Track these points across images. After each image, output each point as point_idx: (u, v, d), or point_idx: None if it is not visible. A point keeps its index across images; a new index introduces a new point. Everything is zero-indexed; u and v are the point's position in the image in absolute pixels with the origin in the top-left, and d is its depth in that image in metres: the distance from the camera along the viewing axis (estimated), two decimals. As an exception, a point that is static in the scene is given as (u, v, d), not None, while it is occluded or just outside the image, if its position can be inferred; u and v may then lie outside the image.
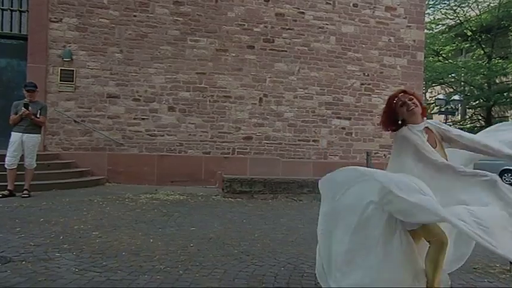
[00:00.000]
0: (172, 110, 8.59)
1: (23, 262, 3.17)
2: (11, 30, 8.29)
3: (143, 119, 8.51)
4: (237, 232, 4.46)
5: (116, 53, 8.44)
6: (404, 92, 2.61)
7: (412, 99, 2.52)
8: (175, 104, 8.60)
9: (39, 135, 6.37)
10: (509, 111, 20.07)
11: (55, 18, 8.22)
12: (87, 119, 8.32)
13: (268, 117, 8.94)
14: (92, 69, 8.36)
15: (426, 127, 2.53)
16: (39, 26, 8.13)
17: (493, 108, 20.36)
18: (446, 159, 2.46)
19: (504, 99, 19.32)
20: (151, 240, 3.94)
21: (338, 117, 9.15)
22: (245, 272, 3.19)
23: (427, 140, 2.46)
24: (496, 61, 19.46)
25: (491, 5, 19.27)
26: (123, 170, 8.17)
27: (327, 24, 9.08)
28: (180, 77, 8.63)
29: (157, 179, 8.25)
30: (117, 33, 8.44)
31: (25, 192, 6.05)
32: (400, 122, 2.55)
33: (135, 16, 8.48)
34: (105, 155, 8.25)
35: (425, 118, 2.59)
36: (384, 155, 9.22)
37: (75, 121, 8.26)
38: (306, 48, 9.02)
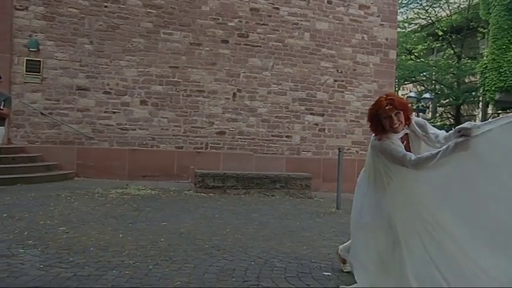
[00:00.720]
0: (145, 104, 8.55)
1: (-16, 258, 3.09)
2: (-28, 18, 8.03)
3: (114, 112, 8.44)
4: (209, 227, 4.52)
5: (85, 44, 8.32)
6: (391, 100, 2.51)
7: (399, 113, 2.50)
8: (147, 97, 8.58)
9: (3, 127, 6.24)
10: (476, 110, 21.03)
11: (20, 6, 8.01)
12: (55, 111, 8.18)
13: (241, 112, 9.05)
14: (60, 60, 8.21)
15: (406, 133, 2.63)
16: (2, 14, 7.91)
17: (461, 107, 21.27)
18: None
19: (472, 98, 20.26)
20: (120, 236, 3.94)
21: (311, 113, 9.36)
22: (215, 266, 3.23)
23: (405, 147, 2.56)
24: (465, 61, 20.37)
25: (461, 6, 20.08)
26: (93, 164, 8.09)
27: (301, 20, 9.25)
28: (152, 71, 8.60)
29: (129, 174, 8.23)
30: (87, 23, 8.32)
31: (-13, 186, 5.92)
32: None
33: (106, 7, 8.38)
34: (74, 149, 8.14)
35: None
36: (356, 151, 9.52)
37: (42, 113, 8.10)
38: (280, 44, 9.16)
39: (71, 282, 2.73)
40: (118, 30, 8.44)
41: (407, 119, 2.60)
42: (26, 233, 3.84)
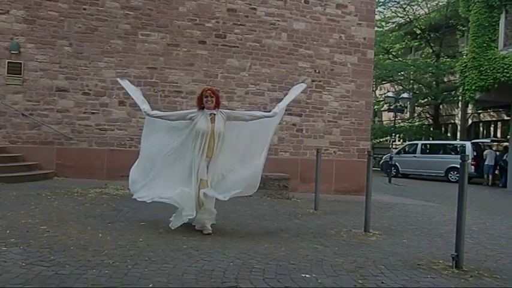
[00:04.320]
0: (123, 105, 9.51)
1: (-34, 256, 3.37)
2: (-45, 22, 9.01)
3: (93, 113, 9.42)
4: (186, 227, 4.83)
5: (65, 46, 9.28)
6: (211, 90, 4.92)
7: (213, 97, 4.81)
8: (125, 98, 9.48)
9: None
10: (456, 110, 21.83)
11: (1, 9, 8.99)
12: (36, 112, 9.18)
13: (219, 112, 9.96)
14: (40, 62, 9.19)
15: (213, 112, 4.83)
16: (-16, 18, 8.89)
17: (440, 106, 22.12)
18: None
19: (451, 98, 21.09)
20: (100, 235, 4.28)
21: (289, 114, 10.20)
22: (194, 267, 3.44)
23: (210, 120, 4.77)
24: (444, 60, 21.18)
25: (440, 4, 20.83)
26: (72, 164, 9.10)
27: (278, 20, 10.14)
28: (130, 72, 9.54)
29: (107, 174, 9.20)
30: (67, 26, 9.27)
31: (-30, 186, 6.74)
32: (202, 105, 4.84)
33: (84, 9, 9.33)
34: (54, 149, 9.15)
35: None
36: (334, 151, 10.45)
37: (23, 114, 9.09)
38: (257, 44, 10.06)
39: (52, 281, 2.94)
40: (96, 32, 9.39)
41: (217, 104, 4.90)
42: (8, 231, 4.20)
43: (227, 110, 5.14)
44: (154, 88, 9.65)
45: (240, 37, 9.99)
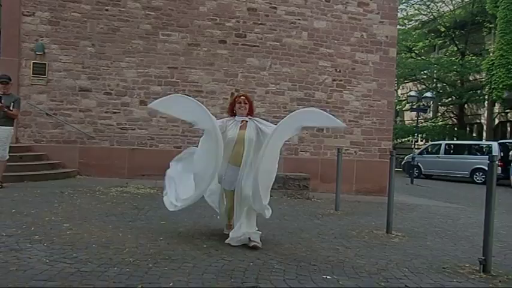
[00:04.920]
0: (144, 104, 9.59)
1: (-5, 252, 3.49)
2: (-17, 24, 9.29)
3: (114, 112, 9.56)
4: (207, 227, 4.93)
5: (87, 47, 9.44)
6: (244, 96, 4.62)
7: (246, 103, 4.53)
8: (146, 98, 9.61)
9: (12, 127, 7.24)
10: (482, 109, 21.22)
11: (28, 12, 9.20)
12: (59, 112, 9.36)
13: (239, 112, 9.96)
14: (64, 62, 9.38)
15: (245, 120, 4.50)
16: (11, 20, 9.13)
17: (465, 106, 21.52)
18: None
19: (477, 97, 20.49)
20: (120, 234, 4.34)
21: (309, 113, 10.18)
22: (214, 266, 3.46)
23: (240, 127, 4.45)
24: (470, 58, 20.61)
25: (465, 0, 20.33)
26: (94, 163, 9.25)
27: (299, 19, 10.07)
28: (151, 71, 9.65)
29: (128, 173, 9.32)
30: (89, 27, 9.43)
31: (-3, 183, 6.87)
32: (234, 112, 4.57)
33: (106, 10, 9.47)
34: (77, 148, 9.32)
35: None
36: (355, 151, 10.32)
37: (47, 114, 9.29)
38: (277, 43, 10.02)
39: (74, 278, 3.01)
40: (118, 33, 9.52)
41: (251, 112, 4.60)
42: (32, 228, 4.33)
43: (263, 121, 4.62)
44: (174, 88, 9.71)
45: (260, 36, 9.97)
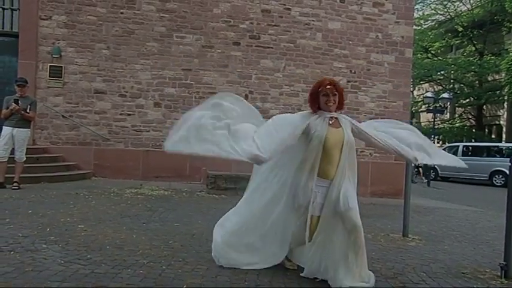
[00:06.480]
0: (158, 106, 9.68)
1: (11, 252, 3.52)
2: (2, 28, 9.51)
3: (129, 114, 9.64)
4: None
5: (103, 50, 9.55)
6: (331, 84, 3.21)
7: (336, 95, 3.21)
8: (161, 100, 9.69)
9: (29, 129, 7.40)
10: (501, 110, 20.74)
11: (45, 15, 9.36)
12: (75, 114, 9.48)
13: (253, 113, 9.94)
14: (79, 65, 9.50)
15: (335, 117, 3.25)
16: (29, 24, 9.29)
17: (484, 107, 21.05)
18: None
19: (496, 98, 20.02)
20: (134, 235, 4.35)
21: (324, 114, 10.11)
22: (228, 269, 3.44)
23: (330, 125, 3.20)
24: (488, 58, 20.16)
25: None
26: (109, 164, 9.33)
27: (313, 20, 10.02)
28: (166, 73, 9.71)
29: (143, 174, 9.39)
30: (105, 29, 9.54)
31: (15, 184, 6.92)
32: (318, 105, 3.28)
33: (122, 13, 9.56)
34: (92, 150, 9.42)
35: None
36: (370, 153, 10.20)
37: (63, 116, 9.42)
38: (292, 44, 9.99)
39: (88, 279, 3.02)
40: (133, 35, 9.61)
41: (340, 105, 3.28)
42: (48, 229, 4.36)
43: (352, 120, 3.43)
44: (188, 89, 9.76)
45: (274, 38, 9.95)
